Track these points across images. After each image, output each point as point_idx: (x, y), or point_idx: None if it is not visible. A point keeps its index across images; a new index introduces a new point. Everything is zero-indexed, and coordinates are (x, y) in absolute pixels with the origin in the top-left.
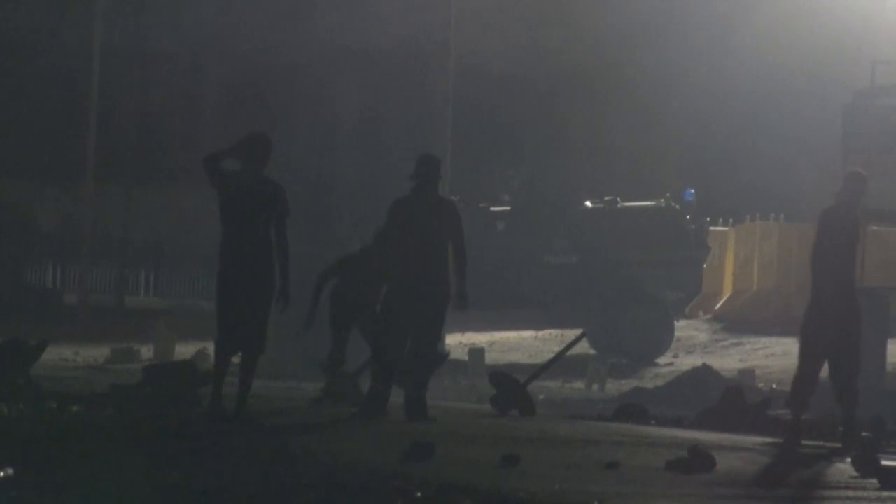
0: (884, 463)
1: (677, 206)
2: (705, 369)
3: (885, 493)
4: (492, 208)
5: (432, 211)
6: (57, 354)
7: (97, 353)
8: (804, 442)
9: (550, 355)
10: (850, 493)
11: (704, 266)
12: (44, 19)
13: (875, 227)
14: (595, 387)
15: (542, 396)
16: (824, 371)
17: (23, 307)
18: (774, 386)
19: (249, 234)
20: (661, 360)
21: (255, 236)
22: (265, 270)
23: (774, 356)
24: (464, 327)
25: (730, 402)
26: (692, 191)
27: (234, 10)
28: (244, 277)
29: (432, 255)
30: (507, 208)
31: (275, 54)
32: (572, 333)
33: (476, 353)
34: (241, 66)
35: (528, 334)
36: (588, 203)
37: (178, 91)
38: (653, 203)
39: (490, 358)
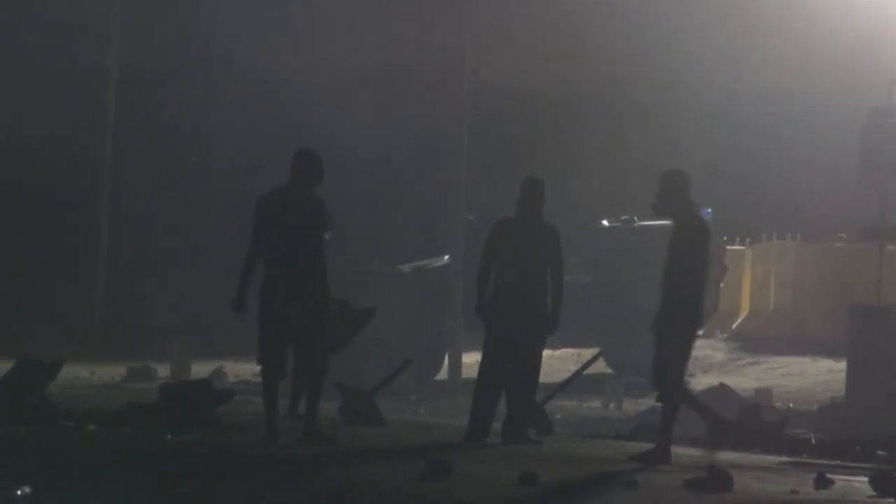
0: None
1: None
2: (722, 388)
3: None
4: None
5: (534, 235)
6: (72, 373)
7: (113, 371)
8: (823, 461)
9: (567, 374)
10: None
11: (721, 285)
12: (58, 42)
13: (892, 247)
14: (612, 406)
15: (559, 416)
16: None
17: (40, 326)
18: (791, 405)
19: (297, 254)
20: None
21: (298, 254)
22: (316, 291)
23: (791, 375)
24: (479, 347)
25: (747, 421)
26: (709, 210)
27: (250, 33)
28: (293, 299)
29: (532, 280)
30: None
31: (289, 76)
32: (589, 352)
33: None
34: (255, 88)
35: (544, 353)
36: (605, 222)
37: (191, 113)
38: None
39: None
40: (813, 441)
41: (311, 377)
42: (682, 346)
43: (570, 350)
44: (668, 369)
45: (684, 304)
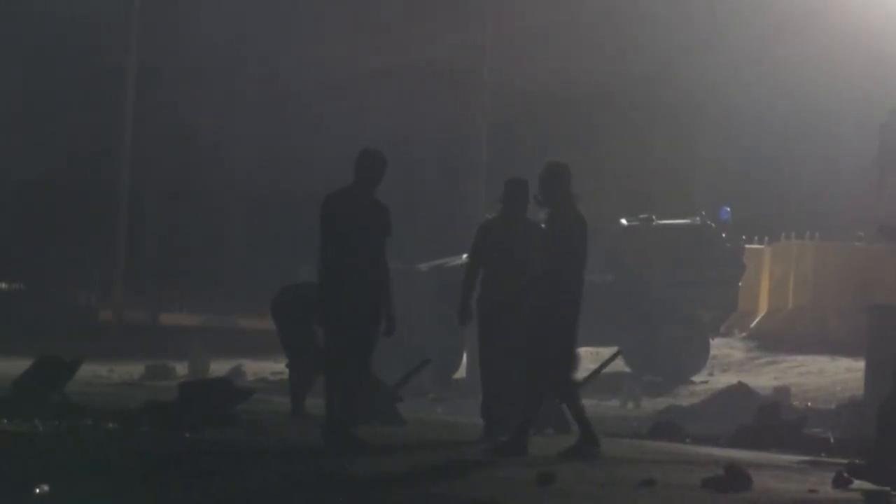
0: None
1: (713, 224)
2: (741, 387)
3: None
4: None
5: (520, 234)
6: (91, 371)
7: (132, 369)
8: (842, 460)
9: (585, 373)
10: None
11: (740, 284)
12: (78, 40)
13: None
14: (630, 405)
15: None
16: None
17: (58, 325)
18: (810, 404)
19: (357, 252)
20: (697, 378)
21: (362, 255)
22: (373, 291)
23: (810, 374)
24: None
25: (765, 419)
26: (728, 209)
27: (270, 31)
28: (352, 299)
29: (520, 278)
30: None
31: (308, 74)
32: (607, 351)
33: None
34: (275, 86)
35: None
36: (623, 221)
37: (210, 110)
38: (688, 221)
39: None
40: (832, 440)
41: (350, 375)
42: (565, 337)
43: (589, 348)
44: (555, 362)
45: (562, 294)
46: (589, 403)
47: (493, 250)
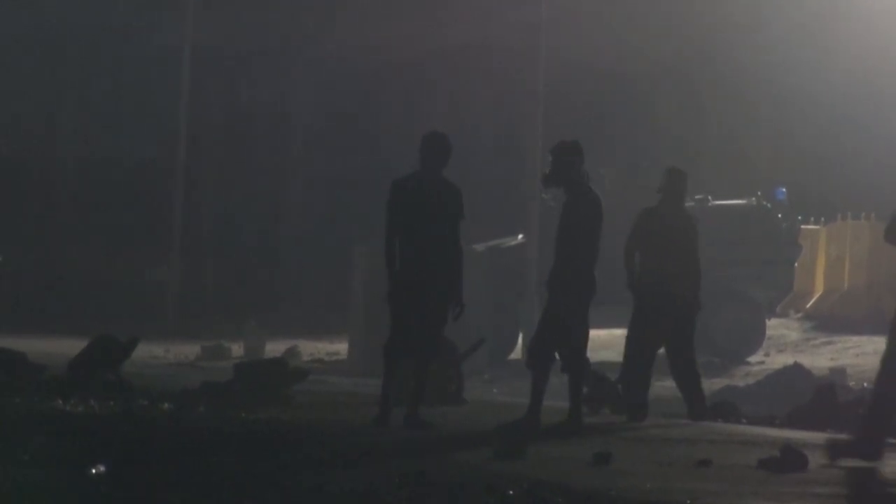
0: None
1: (769, 205)
2: (797, 368)
3: None
4: None
5: (675, 224)
6: (147, 351)
7: (187, 350)
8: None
9: None
10: None
11: (796, 265)
12: (135, 21)
13: None
14: None
15: None
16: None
17: (115, 304)
18: (866, 384)
19: (426, 235)
20: (753, 359)
21: (432, 238)
22: (444, 273)
23: (866, 355)
24: None
25: (822, 400)
26: (784, 189)
27: (326, 11)
28: (422, 281)
29: (674, 267)
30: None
31: (365, 53)
32: None
33: None
34: (331, 66)
35: (619, 332)
36: None
37: (270, 90)
38: (744, 201)
39: None
40: None
41: (419, 356)
42: (577, 314)
43: None
44: (572, 338)
45: (574, 274)
46: None
47: (655, 238)
